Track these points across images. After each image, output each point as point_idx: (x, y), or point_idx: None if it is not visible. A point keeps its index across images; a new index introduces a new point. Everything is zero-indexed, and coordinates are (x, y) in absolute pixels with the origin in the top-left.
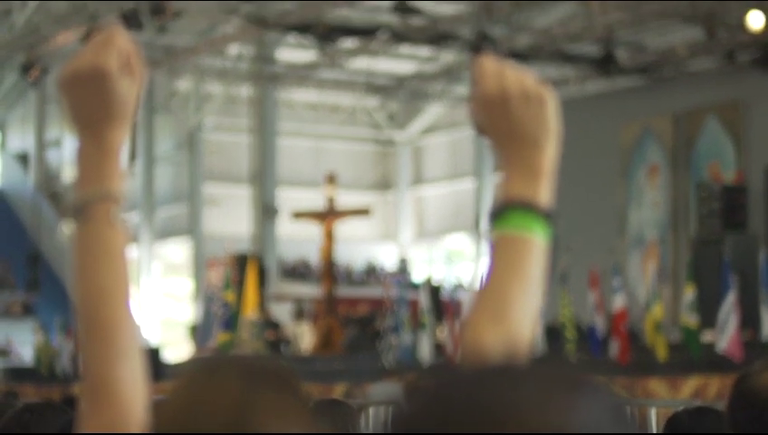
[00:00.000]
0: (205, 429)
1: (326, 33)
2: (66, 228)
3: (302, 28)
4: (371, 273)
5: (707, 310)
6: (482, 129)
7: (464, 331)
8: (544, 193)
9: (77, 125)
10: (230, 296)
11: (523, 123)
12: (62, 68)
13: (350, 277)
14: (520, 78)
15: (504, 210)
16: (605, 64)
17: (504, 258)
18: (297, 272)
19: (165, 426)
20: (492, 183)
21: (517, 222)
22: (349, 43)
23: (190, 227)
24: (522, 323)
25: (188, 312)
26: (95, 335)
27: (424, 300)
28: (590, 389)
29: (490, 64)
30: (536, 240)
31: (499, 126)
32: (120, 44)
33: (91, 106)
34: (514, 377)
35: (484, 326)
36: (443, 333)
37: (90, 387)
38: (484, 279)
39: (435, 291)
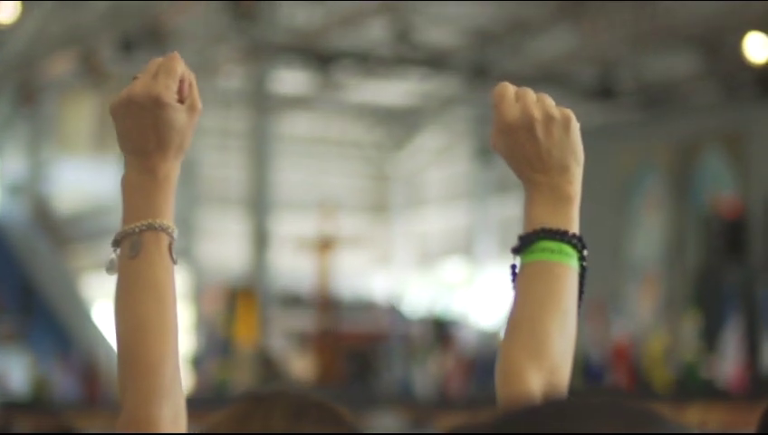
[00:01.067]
0: None
1: (323, 59)
2: (112, 259)
3: (298, 53)
4: (367, 304)
5: (708, 342)
6: (506, 156)
7: (504, 369)
8: (574, 219)
9: (129, 153)
10: (225, 327)
11: (550, 148)
12: (117, 94)
13: (346, 308)
14: (542, 102)
15: (534, 239)
16: (603, 93)
17: (537, 287)
18: (292, 302)
19: None
20: (487, 206)
21: (549, 250)
22: (345, 71)
23: (185, 254)
24: (561, 357)
25: (186, 342)
26: (138, 371)
27: (422, 332)
28: (665, 422)
29: (509, 90)
30: (569, 268)
31: (525, 152)
32: (179, 74)
33: (145, 135)
34: (590, 412)
35: (526, 364)
36: (442, 365)
37: (128, 423)
38: (515, 308)
39: (435, 323)
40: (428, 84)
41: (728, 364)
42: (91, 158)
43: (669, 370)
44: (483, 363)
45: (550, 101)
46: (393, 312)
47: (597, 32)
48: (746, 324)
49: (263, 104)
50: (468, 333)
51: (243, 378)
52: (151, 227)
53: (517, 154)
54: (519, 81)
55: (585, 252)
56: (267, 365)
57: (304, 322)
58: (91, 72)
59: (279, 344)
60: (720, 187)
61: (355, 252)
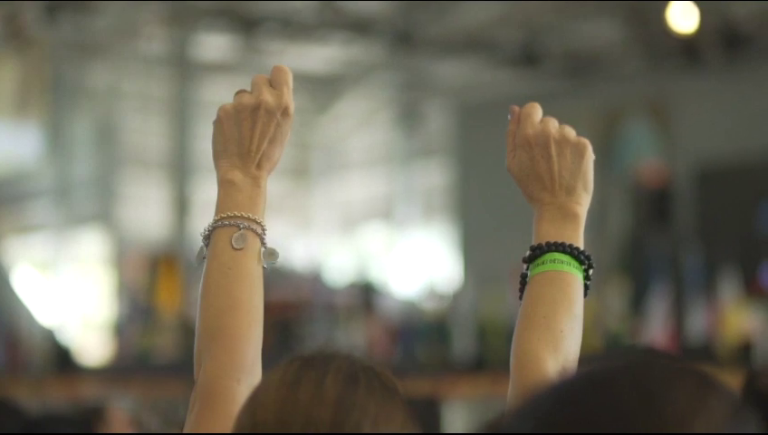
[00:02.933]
0: (301, 428)
1: (246, 24)
2: (203, 247)
3: (221, 17)
4: (288, 271)
5: (634, 309)
6: (519, 176)
7: (521, 355)
8: (581, 236)
9: (233, 156)
10: (147, 294)
11: (561, 169)
12: (231, 102)
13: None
14: (562, 127)
15: (545, 251)
16: (528, 60)
17: (551, 291)
18: None
19: (260, 424)
20: (410, 173)
21: (560, 261)
22: (268, 36)
23: (105, 219)
24: (572, 357)
25: (105, 309)
26: (224, 344)
27: (345, 299)
28: (715, 380)
29: (537, 111)
30: (578, 278)
31: (538, 169)
32: (287, 84)
33: (259, 141)
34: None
35: (543, 353)
36: (366, 331)
37: (206, 393)
38: (529, 308)
39: (358, 289)
40: (352, 50)
41: (654, 332)
42: (12, 122)
43: (596, 337)
44: (406, 329)
45: (570, 130)
46: (315, 279)
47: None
48: (672, 292)
49: (185, 69)
50: (391, 299)
51: (164, 345)
52: (254, 225)
53: (530, 173)
54: (444, 47)
55: (591, 271)
56: (189, 333)
57: None
58: (14, 35)
59: None
60: (645, 155)
61: (276, 218)
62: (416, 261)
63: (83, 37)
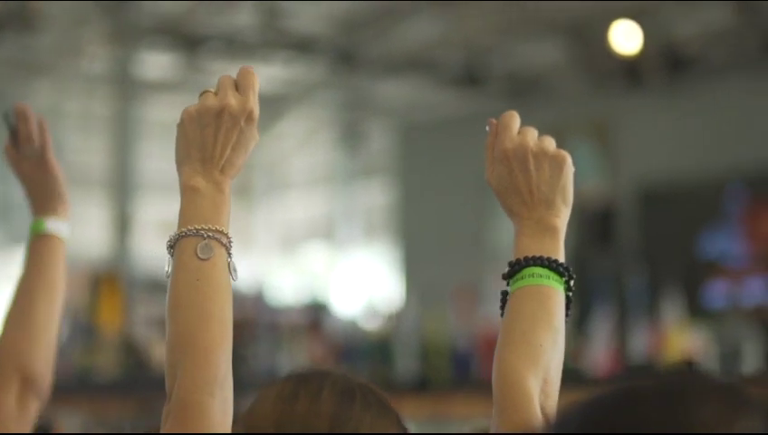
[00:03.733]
0: None
1: (189, 43)
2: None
3: (164, 36)
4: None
5: (577, 331)
6: (498, 189)
7: (503, 375)
8: (560, 249)
9: (195, 161)
10: (88, 313)
11: (539, 182)
12: (196, 104)
13: None
14: (541, 139)
15: (523, 266)
16: (470, 81)
17: (530, 306)
18: (156, 288)
19: None
20: (351, 193)
21: (538, 275)
22: (211, 55)
23: None
24: (554, 371)
25: None
26: (197, 358)
27: (288, 318)
28: (747, 397)
29: (515, 122)
30: (558, 292)
31: (516, 183)
32: (253, 88)
33: (222, 147)
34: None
35: (524, 371)
36: (309, 351)
37: (180, 409)
38: (509, 324)
39: (301, 309)
40: (294, 70)
41: (598, 353)
42: None
43: None
44: (349, 349)
45: (550, 141)
46: (257, 299)
47: (464, 18)
48: (616, 313)
49: (127, 87)
50: (334, 319)
51: (106, 364)
52: (220, 236)
53: (509, 186)
54: (386, 67)
55: (572, 282)
56: (131, 351)
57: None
58: None
59: (143, 331)
60: (587, 176)
61: None
62: (358, 281)
63: (25, 56)
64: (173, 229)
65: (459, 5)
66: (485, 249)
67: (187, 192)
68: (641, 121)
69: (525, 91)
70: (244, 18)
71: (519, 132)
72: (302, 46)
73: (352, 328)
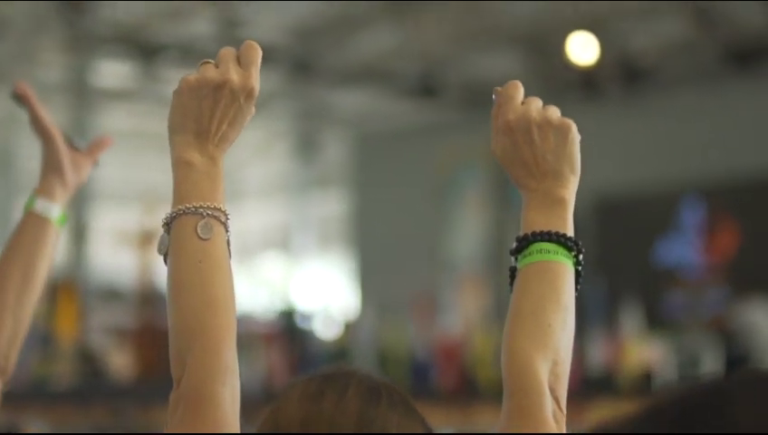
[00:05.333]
0: None
1: (145, 52)
2: (164, 236)
3: (121, 44)
4: None
5: None
6: (503, 161)
7: (511, 358)
8: (569, 221)
9: (188, 133)
10: (45, 321)
11: (545, 152)
12: (196, 74)
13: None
14: (545, 108)
15: (530, 241)
16: (425, 91)
17: (538, 284)
18: (113, 297)
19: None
20: (306, 203)
21: (546, 251)
22: (168, 64)
23: (1, 245)
24: (564, 351)
25: None
26: (206, 347)
27: (243, 327)
28: None
29: (518, 93)
30: (566, 267)
31: (522, 155)
32: (255, 64)
33: (219, 121)
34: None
35: (533, 354)
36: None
37: (191, 399)
38: (517, 303)
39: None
40: None
41: None
42: None
43: (496, 369)
44: (306, 358)
45: (554, 110)
46: None
47: (421, 29)
48: (575, 325)
49: (83, 96)
50: (291, 327)
51: (63, 372)
52: (218, 213)
53: (514, 158)
54: (342, 76)
55: (581, 256)
56: (87, 360)
57: (125, 316)
58: None
59: (99, 339)
60: None
61: None
62: (313, 290)
63: None
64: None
65: (416, 15)
66: (441, 259)
67: (182, 166)
68: (598, 132)
69: (482, 102)
70: (201, 27)
71: (523, 102)
72: None
73: (309, 337)
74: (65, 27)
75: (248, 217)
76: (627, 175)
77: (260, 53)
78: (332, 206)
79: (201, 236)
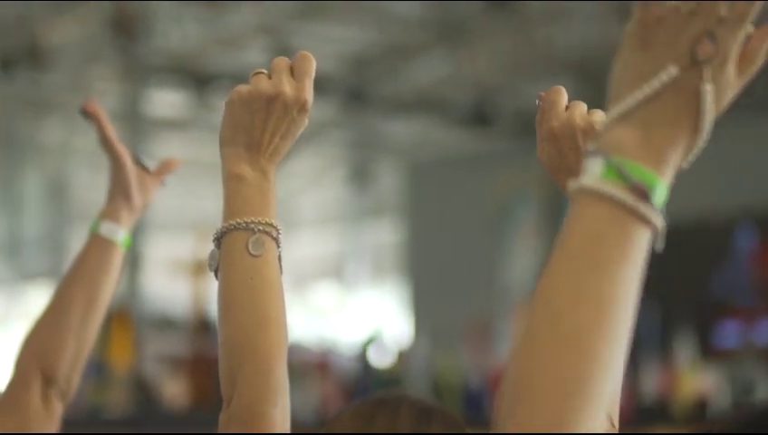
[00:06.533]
0: None
1: (199, 81)
2: (214, 251)
3: (175, 73)
4: None
5: None
6: (549, 167)
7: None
8: None
9: (239, 146)
10: (99, 350)
11: None
12: (248, 86)
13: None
14: (591, 113)
15: None
16: (479, 120)
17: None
18: (167, 325)
19: None
20: (360, 231)
21: None
22: (221, 93)
23: (58, 275)
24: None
25: None
26: (260, 367)
27: (298, 356)
28: None
29: (562, 98)
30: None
31: (567, 162)
32: (309, 75)
33: (271, 134)
34: None
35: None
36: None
37: (243, 419)
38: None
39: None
40: None
41: None
42: None
43: None
44: (360, 387)
45: (599, 114)
46: None
47: (474, 58)
48: (628, 353)
49: (137, 124)
50: (343, 357)
51: (117, 401)
52: (269, 229)
53: (560, 165)
54: (395, 106)
55: None
56: (142, 388)
57: (179, 345)
58: None
59: (153, 368)
60: None
61: None
62: (367, 319)
63: (36, 92)
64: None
65: (469, 44)
66: (497, 288)
67: (233, 180)
68: None
69: (534, 130)
70: (253, 56)
71: (567, 108)
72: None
73: (363, 366)
74: (119, 56)
75: (302, 246)
76: (681, 202)
77: (314, 63)
78: (386, 234)
79: (252, 252)
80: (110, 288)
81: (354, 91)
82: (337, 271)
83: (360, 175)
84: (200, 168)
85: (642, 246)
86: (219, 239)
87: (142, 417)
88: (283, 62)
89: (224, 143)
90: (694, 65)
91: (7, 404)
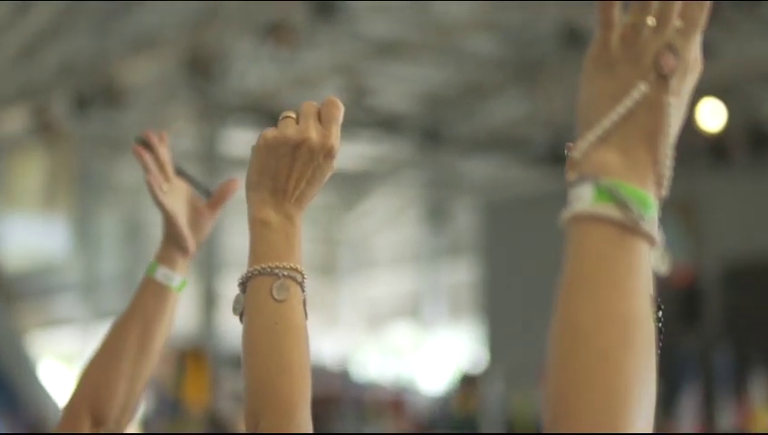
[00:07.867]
0: None
1: (275, 120)
2: (239, 296)
3: (251, 112)
4: (316, 367)
5: (664, 409)
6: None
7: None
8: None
9: (265, 191)
10: (174, 388)
11: None
12: (275, 130)
13: None
14: None
15: None
16: (555, 159)
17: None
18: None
19: None
20: (437, 271)
21: None
22: None
23: None
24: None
25: None
26: (282, 411)
27: (373, 396)
28: None
29: None
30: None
31: None
32: (336, 122)
33: (297, 180)
34: None
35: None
36: (394, 429)
37: None
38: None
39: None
40: (380, 147)
41: (685, 430)
42: (40, 215)
43: None
44: (435, 426)
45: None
46: (343, 375)
47: (549, 96)
48: (703, 391)
49: (213, 164)
50: (419, 396)
51: None
52: (294, 274)
53: None
54: (471, 145)
55: (660, 313)
56: (217, 426)
57: None
58: (43, 128)
59: (229, 406)
60: (673, 254)
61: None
62: (443, 358)
63: (112, 132)
64: None
65: (544, 83)
66: None
67: (258, 226)
68: (726, 199)
69: None
70: (329, 95)
71: None
72: (388, 124)
73: (439, 405)
74: (195, 96)
75: (378, 286)
76: (755, 242)
77: (341, 109)
78: (462, 274)
79: (276, 297)
80: (163, 332)
81: (430, 131)
82: (413, 310)
83: (436, 214)
84: None
85: (647, 259)
86: (244, 284)
87: None
88: (311, 106)
89: (249, 188)
90: (659, 79)
91: None
